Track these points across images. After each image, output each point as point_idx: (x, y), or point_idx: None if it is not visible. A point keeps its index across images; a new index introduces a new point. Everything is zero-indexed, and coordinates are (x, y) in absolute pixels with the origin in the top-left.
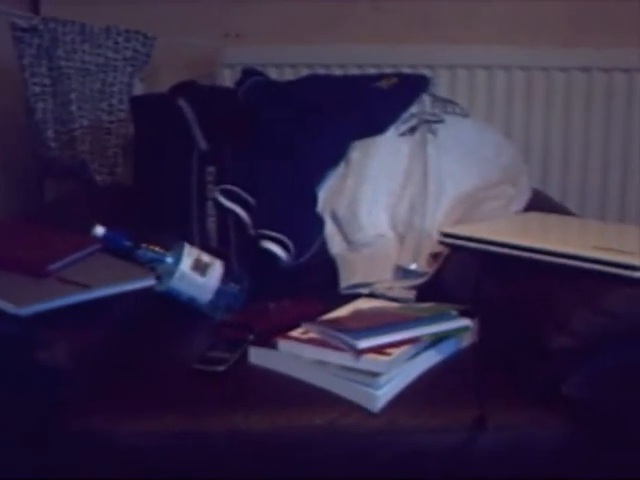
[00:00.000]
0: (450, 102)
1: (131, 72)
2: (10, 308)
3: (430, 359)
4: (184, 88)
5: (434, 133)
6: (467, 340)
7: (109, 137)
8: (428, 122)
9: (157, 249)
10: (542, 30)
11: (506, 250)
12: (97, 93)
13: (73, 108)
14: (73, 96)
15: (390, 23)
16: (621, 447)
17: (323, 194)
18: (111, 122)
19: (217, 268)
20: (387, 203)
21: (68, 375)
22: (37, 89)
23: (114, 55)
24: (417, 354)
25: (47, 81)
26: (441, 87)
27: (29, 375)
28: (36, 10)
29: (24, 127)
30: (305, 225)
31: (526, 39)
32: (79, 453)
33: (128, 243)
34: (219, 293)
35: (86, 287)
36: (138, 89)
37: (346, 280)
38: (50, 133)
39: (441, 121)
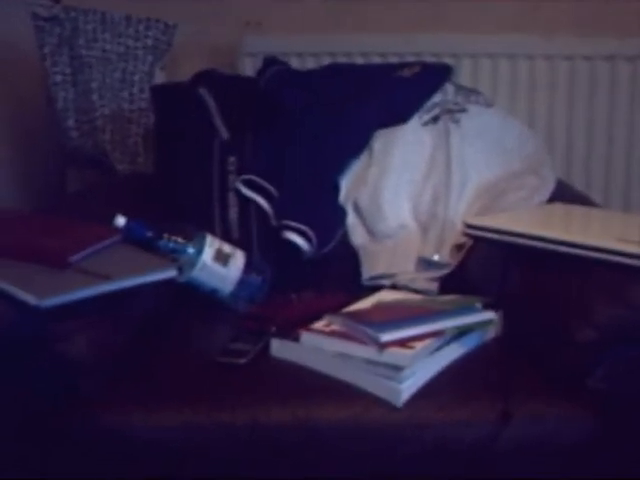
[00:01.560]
0: (473, 91)
1: (152, 61)
2: (31, 299)
3: (454, 352)
4: (205, 77)
5: (457, 122)
6: (491, 333)
7: (130, 126)
8: (451, 111)
9: (179, 240)
10: (565, 19)
11: (531, 242)
12: (118, 82)
13: (94, 97)
14: (94, 85)
15: (413, 12)
16: None
17: (345, 184)
18: (132, 111)
19: (239, 259)
20: (410, 193)
21: (88, 367)
22: (58, 78)
23: (135, 44)
24: (441, 347)
25: (68, 70)
26: (464, 76)
27: (49, 367)
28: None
29: (46, 116)
30: (327, 215)
31: (549, 28)
32: (98, 446)
33: (149, 234)
34: (241, 284)
35: (107, 278)
36: (159, 78)
37: (369, 271)
38: (71, 122)
39: (464, 110)
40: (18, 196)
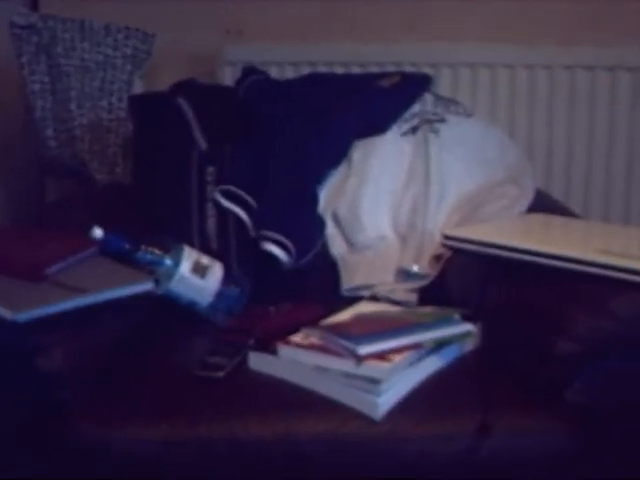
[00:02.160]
0: (452, 101)
1: (131, 70)
2: (6, 314)
3: (433, 365)
4: (183, 87)
5: (436, 132)
6: (470, 345)
7: (109, 136)
8: (430, 121)
9: (156, 251)
10: (545, 28)
11: (509, 253)
12: (97, 91)
13: (72, 106)
14: (72, 94)
15: (392, 21)
16: (625, 452)
17: (324, 194)
18: (111, 120)
19: (217, 270)
20: (389, 204)
21: (65, 381)
22: (36, 87)
23: (113, 53)
24: (419, 360)
25: (46, 79)
26: (444, 86)
27: (26, 381)
28: (35, 7)
29: (24, 125)
30: (306, 226)
31: (529, 37)
32: (76, 459)
33: (127, 245)
34: (219, 296)
35: (83, 291)
36: (138, 87)
37: (348, 282)
38: (49, 131)
39: (443, 120)
40: None
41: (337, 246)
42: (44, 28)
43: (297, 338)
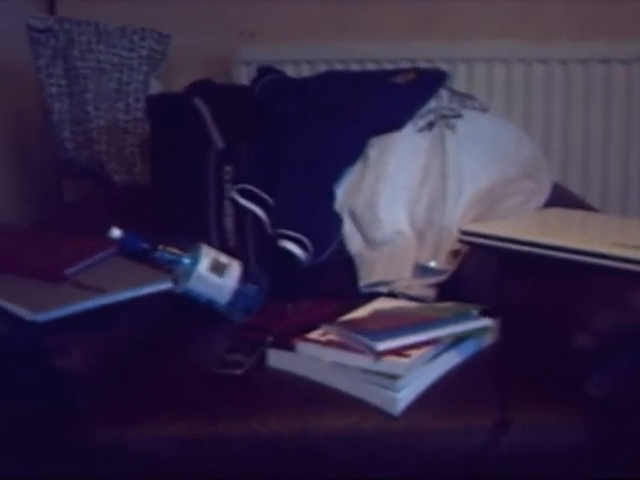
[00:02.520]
0: (468, 97)
1: (147, 71)
2: (26, 314)
3: (451, 360)
4: (199, 87)
5: (452, 128)
6: (488, 340)
7: (126, 136)
8: (446, 117)
9: (174, 250)
10: (560, 22)
11: (527, 248)
12: (113, 93)
13: (89, 108)
14: (89, 96)
15: (407, 18)
16: None
17: (341, 192)
18: (128, 121)
19: (235, 269)
20: (406, 200)
21: (83, 381)
22: (53, 90)
23: (129, 54)
24: (437, 355)
25: (63, 82)
26: (459, 81)
27: (45, 381)
28: (51, 10)
29: (42, 128)
30: (323, 224)
31: (544, 32)
32: (94, 459)
33: (145, 245)
34: (237, 294)
35: (102, 291)
36: (154, 88)
37: (365, 279)
38: (67, 134)
39: (459, 116)
40: (14, 208)
41: (354, 243)
42: (60, 31)
43: (315, 335)
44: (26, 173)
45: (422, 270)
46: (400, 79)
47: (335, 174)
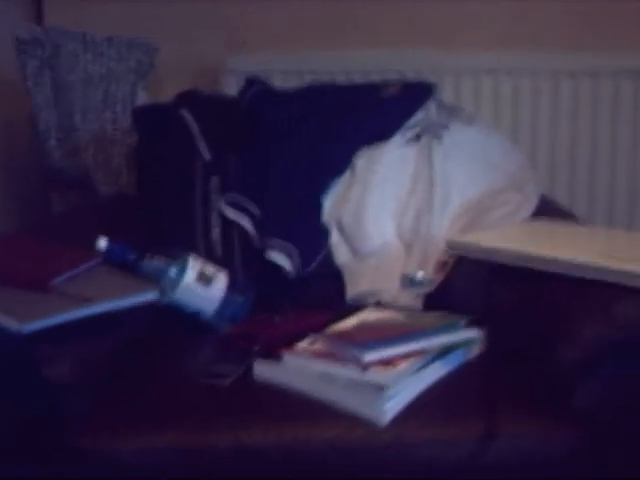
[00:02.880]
0: (456, 108)
1: (134, 81)
2: (12, 325)
3: (438, 371)
4: (187, 98)
5: (440, 139)
6: (476, 350)
7: (113, 147)
8: (434, 129)
9: (161, 260)
10: (548, 34)
11: (514, 259)
12: (100, 103)
13: (76, 118)
14: (76, 106)
15: (394, 29)
16: (630, 457)
17: (328, 203)
18: (115, 132)
19: (222, 279)
20: (393, 211)
21: (70, 391)
22: (40, 100)
23: (117, 65)
24: (425, 366)
25: (50, 92)
26: (447, 93)
27: (32, 391)
28: (39, 19)
29: (29, 138)
30: (311, 235)
31: (532, 43)
32: (81, 469)
33: (131, 255)
34: (224, 304)
35: (88, 301)
36: (142, 98)
37: (352, 290)
38: (54, 143)
39: (447, 127)
40: (1, 217)
41: (342, 254)
42: (47, 41)
43: (302, 345)
44: (13, 183)
45: (409, 281)
46: (388, 91)
47: (323, 185)
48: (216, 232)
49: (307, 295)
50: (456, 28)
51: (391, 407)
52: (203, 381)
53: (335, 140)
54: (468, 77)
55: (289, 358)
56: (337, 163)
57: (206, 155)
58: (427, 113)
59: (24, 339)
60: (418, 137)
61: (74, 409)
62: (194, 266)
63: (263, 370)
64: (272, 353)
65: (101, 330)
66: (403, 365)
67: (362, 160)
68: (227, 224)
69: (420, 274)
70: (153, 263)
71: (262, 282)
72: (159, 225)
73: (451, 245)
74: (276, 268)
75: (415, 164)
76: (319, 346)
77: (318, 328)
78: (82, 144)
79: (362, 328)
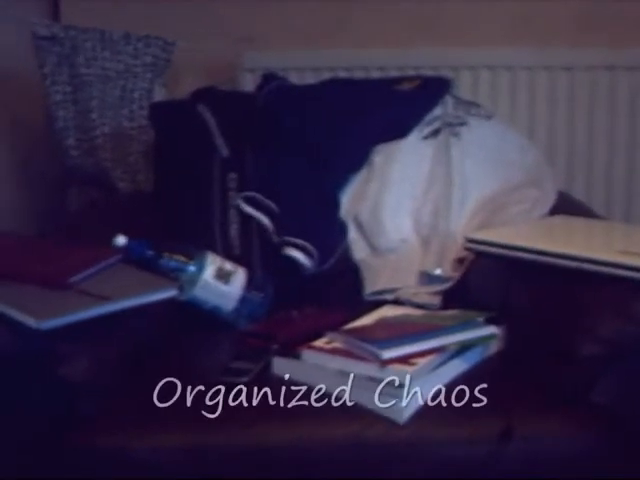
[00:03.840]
0: (473, 104)
1: (151, 78)
2: (31, 322)
3: (456, 368)
4: (204, 94)
5: (457, 136)
6: (494, 348)
7: (131, 144)
8: (451, 125)
9: (179, 258)
10: (564, 29)
11: (532, 256)
12: (118, 100)
13: (94, 115)
14: (94, 103)
15: (411, 25)
16: None
17: (346, 199)
18: (132, 129)
19: (240, 276)
20: (411, 207)
21: (88, 389)
22: (58, 97)
23: (134, 61)
24: (443, 363)
25: (68, 89)
26: (463, 89)
27: (49, 389)
28: (56, 17)
29: (46, 136)
30: (328, 231)
31: (548, 39)
32: (97, 467)
33: (150, 252)
34: (242, 301)
35: (107, 299)
36: (159, 95)
37: (370, 286)
38: (71, 141)
39: (464, 123)
40: (19, 215)
41: (359, 250)
42: (65, 38)
43: (321, 343)
44: (31, 181)
45: (427, 278)
46: (405, 86)
47: (340, 181)
48: (234, 229)
49: (325, 292)
50: (472, 24)
51: (409, 405)
52: (221, 379)
53: (352, 136)
54: (485, 73)
55: (308, 355)
56: (354, 159)
57: (224, 151)
58: (444, 109)
59: (42, 336)
60: (435, 133)
61: (90, 407)
62: (212, 263)
63: (282, 368)
64: (290, 351)
65: (119, 328)
66: (421, 362)
67: (379, 156)
68: (245, 221)
69: (438, 271)
70: (171, 260)
71: (280, 279)
72: (177, 222)
73: (470, 241)
74: (294, 265)
75: (432, 161)
76: (337, 343)
77: (336, 325)
78: (100, 141)
79: (380, 325)
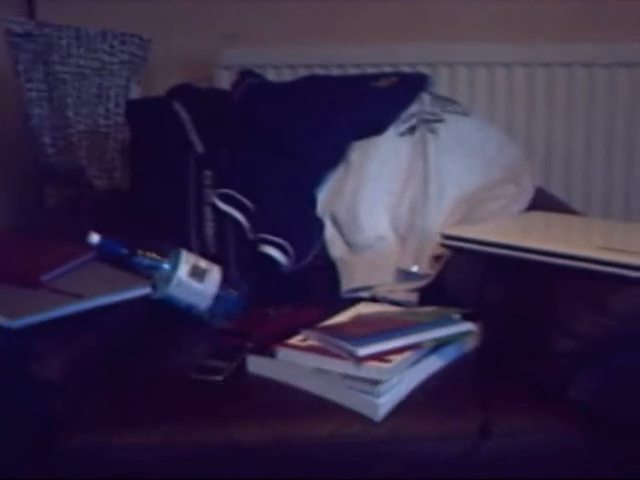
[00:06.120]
0: (450, 101)
1: (127, 75)
2: (2, 320)
3: (433, 365)
4: (180, 91)
5: (434, 132)
6: (470, 344)
7: (106, 141)
8: (428, 121)
9: (154, 256)
10: (543, 26)
11: (509, 252)
12: (93, 97)
13: (69, 113)
14: (69, 101)
15: (389, 22)
16: (629, 450)
17: (322, 196)
18: (108, 126)
19: (215, 274)
20: (387, 204)
21: (61, 387)
22: (33, 95)
23: (110, 59)
24: (419, 360)
25: (43, 86)
26: (441, 85)
27: (21, 388)
28: (31, 14)
29: (21, 133)
30: (305, 228)
31: (526, 35)
32: (73, 466)
33: (124, 250)
34: (217, 299)
35: (79, 297)
36: (135, 92)
37: (347, 284)
38: (47, 139)
39: (441, 120)
40: None
41: (336, 248)
42: (40, 35)
43: (296, 340)
44: (6, 178)
45: (404, 275)
46: (382, 83)
47: (316, 178)
48: (210, 226)
49: (302, 289)
50: (450, 21)
51: (386, 402)
52: (196, 377)
53: (328, 133)
54: (462, 69)
55: (283, 353)
56: (331, 156)
57: (199, 149)
58: (421, 105)
59: (14, 335)
60: (412, 130)
61: (64, 405)
62: (187, 261)
63: (257, 366)
64: (266, 348)
65: (92, 326)
66: (398, 359)
67: (356, 153)
68: (220, 219)
69: (415, 268)
70: (145, 258)
71: (256, 277)
72: (152, 219)
73: (446, 238)
74: (270, 263)
75: (409, 157)
76: (313, 341)
77: (312, 323)
78: (75, 139)
79: (356, 322)
